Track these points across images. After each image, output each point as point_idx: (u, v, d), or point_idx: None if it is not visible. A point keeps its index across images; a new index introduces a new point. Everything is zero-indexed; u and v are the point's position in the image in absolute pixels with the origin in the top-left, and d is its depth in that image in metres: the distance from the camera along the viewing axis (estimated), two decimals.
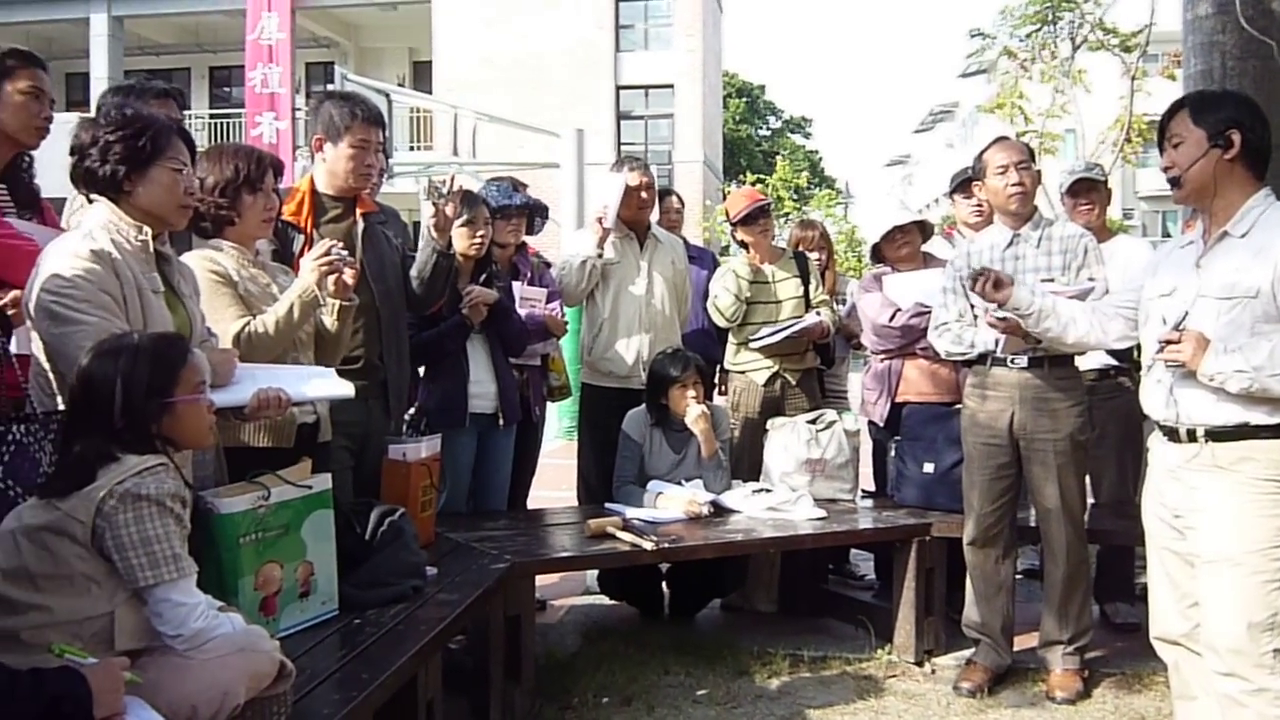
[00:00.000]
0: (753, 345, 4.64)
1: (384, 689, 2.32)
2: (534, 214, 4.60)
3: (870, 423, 4.60)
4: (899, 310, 4.39)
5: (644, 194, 4.68)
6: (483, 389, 4.12)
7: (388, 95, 12.39)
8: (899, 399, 4.42)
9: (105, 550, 1.84)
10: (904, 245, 4.55)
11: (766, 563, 4.55)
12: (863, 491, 4.50)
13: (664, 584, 4.60)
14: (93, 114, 2.64)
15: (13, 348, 2.39)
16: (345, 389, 2.84)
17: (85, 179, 2.43)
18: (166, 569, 1.85)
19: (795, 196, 23.81)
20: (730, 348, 4.81)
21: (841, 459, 4.38)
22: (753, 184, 19.93)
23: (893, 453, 4.33)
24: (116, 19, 23.66)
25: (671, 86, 23.06)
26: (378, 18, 24.19)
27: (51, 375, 2.34)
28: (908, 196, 42.05)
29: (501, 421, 4.18)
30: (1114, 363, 4.29)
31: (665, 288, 4.72)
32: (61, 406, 2.26)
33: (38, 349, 2.35)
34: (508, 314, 4.17)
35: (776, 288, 4.71)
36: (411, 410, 4.03)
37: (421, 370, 4.13)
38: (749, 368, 4.70)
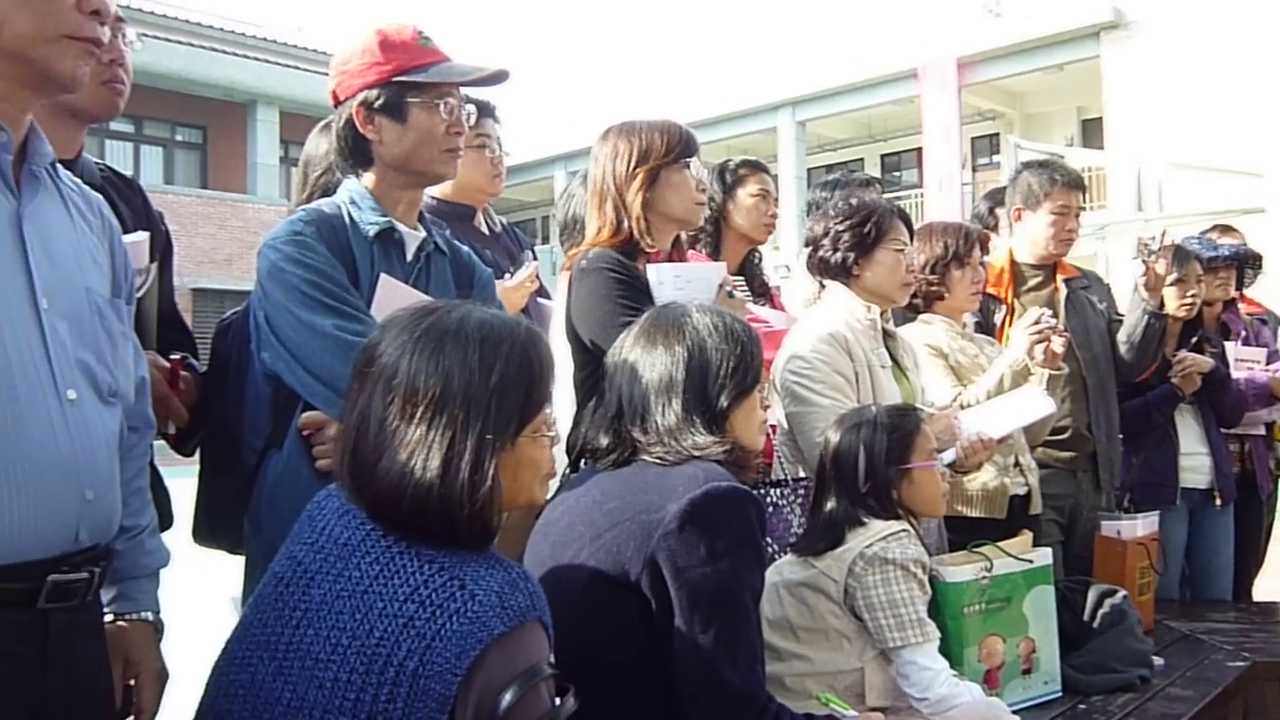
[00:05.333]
0: None
1: None
2: (1243, 265, 4.15)
3: None
4: None
5: None
6: (1195, 462, 3.80)
7: (1060, 158, 12.05)
8: None
9: (855, 609, 1.98)
10: None
11: None
12: None
13: None
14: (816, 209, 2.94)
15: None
16: (1046, 406, 2.75)
17: (819, 267, 2.72)
18: (912, 632, 1.94)
19: None
20: None
21: None
22: None
23: None
24: (800, 124, 26.28)
25: None
26: (1043, 82, 23.68)
27: (794, 444, 2.61)
28: None
29: (1218, 500, 3.80)
30: None
31: None
32: (802, 473, 2.51)
33: (783, 420, 2.64)
34: (1224, 381, 3.80)
35: None
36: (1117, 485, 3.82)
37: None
38: None
